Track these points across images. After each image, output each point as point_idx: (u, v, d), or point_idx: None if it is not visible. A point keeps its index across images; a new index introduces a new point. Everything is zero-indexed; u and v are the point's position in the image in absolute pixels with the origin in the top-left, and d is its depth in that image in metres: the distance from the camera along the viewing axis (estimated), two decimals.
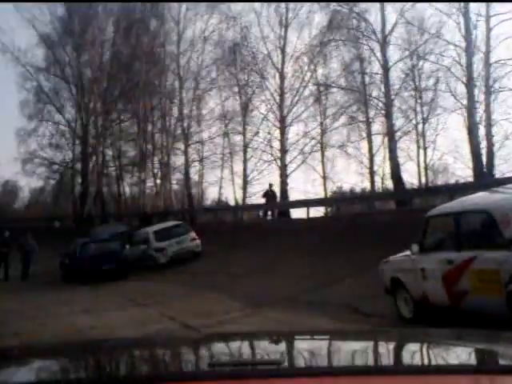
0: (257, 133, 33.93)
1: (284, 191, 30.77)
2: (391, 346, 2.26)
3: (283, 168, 31.25)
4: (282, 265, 17.57)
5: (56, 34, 44.56)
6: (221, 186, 38.12)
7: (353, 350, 2.11)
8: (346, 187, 37.27)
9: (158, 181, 39.57)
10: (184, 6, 36.24)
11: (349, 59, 29.80)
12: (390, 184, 28.94)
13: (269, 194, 29.03)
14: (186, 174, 36.64)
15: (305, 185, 31.77)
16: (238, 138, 35.58)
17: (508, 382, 1.57)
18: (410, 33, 27.12)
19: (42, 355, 2.24)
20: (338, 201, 30.96)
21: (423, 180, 29.37)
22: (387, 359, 2.05)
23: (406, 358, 2.05)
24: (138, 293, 17.07)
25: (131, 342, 2.83)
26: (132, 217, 38.30)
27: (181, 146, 37.41)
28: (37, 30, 43.80)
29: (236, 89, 34.69)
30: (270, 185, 29.82)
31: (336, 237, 19.01)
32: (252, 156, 34.53)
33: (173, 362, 2.10)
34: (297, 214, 27.83)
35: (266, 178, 32.47)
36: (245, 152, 34.71)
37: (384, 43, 26.63)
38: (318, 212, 28.26)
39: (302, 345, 2.29)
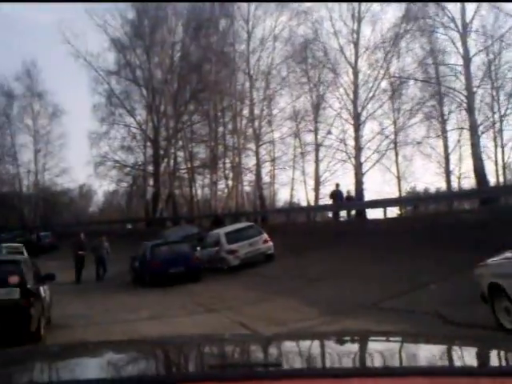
0: (329, 132, 33.07)
1: (359, 191, 29.65)
2: (391, 348, 2.24)
3: (358, 167, 30.14)
4: (360, 268, 16.52)
5: (127, 38, 45.01)
6: (292, 187, 37.50)
7: (353, 352, 2.16)
8: (420, 187, 36.10)
9: (230, 182, 39.22)
10: (253, 4, 35.71)
11: (425, 51, 28.54)
12: (466, 184, 27.68)
13: (336, 195, 28.09)
14: (258, 175, 36.01)
15: (380, 185, 30.86)
16: (310, 138, 34.86)
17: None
18: (489, 21, 25.65)
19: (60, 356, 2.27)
20: (414, 200, 29.39)
21: (501, 179, 27.94)
22: (386, 361, 1.99)
23: (403, 360, 2.02)
24: (209, 297, 16.43)
25: (134, 343, 2.86)
26: (203, 218, 37.94)
27: (252, 146, 36.90)
28: (108, 34, 44.41)
29: (307, 87, 33.87)
30: (337, 185, 29.00)
31: (416, 238, 17.84)
32: (325, 156, 33.78)
33: (173, 364, 2.10)
34: (374, 214, 26.81)
35: (339, 179, 31.56)
36: (317, 152, 33.89)
37: (465, 31, 25.11)
38: (391, 212, 27.15)
39: (302, 347, 2.30)
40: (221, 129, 40.86)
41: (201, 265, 20.82)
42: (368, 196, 29.85)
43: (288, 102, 35.56)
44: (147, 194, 46.19)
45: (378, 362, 1.96)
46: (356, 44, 30.81)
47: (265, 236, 21.54)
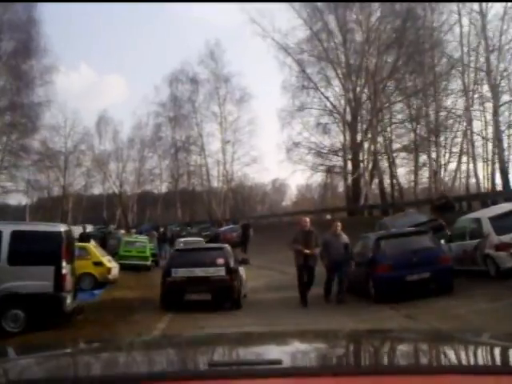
0: None
1: None
2: (392, 346, 2.16)
3: None
4: None
5: (316, 11, 38.39)
6: None
7: (354, 350, 2.11)
8: None
9: (442, 160, 30.94)
10: None
11: None
12: None
13: None
14: (499, 144, 26.49)
15: None
16: None
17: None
18: None
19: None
20: None
21: None
22: (387, 359, 1.95)
23: (404, 358, 1.93)
24: (467, 324, 9.20)
25: (137, 341, 2.82)
26: (419, 205, 29.39)
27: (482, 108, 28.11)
28: (295, 8, 38.26)
29: None
30: None
31: None
32: None
33: (174, 362, 2.04)
34: None
35: None
36: None
37: None
38: None
39: (303, 344, 2.24)
40: (423, 107, 33.10)
41: (452, 267, 12.92)
42: None
43: None
44: (348, 180, 39.17)
45: (378, 361, 1.90)
46: None
47: None
